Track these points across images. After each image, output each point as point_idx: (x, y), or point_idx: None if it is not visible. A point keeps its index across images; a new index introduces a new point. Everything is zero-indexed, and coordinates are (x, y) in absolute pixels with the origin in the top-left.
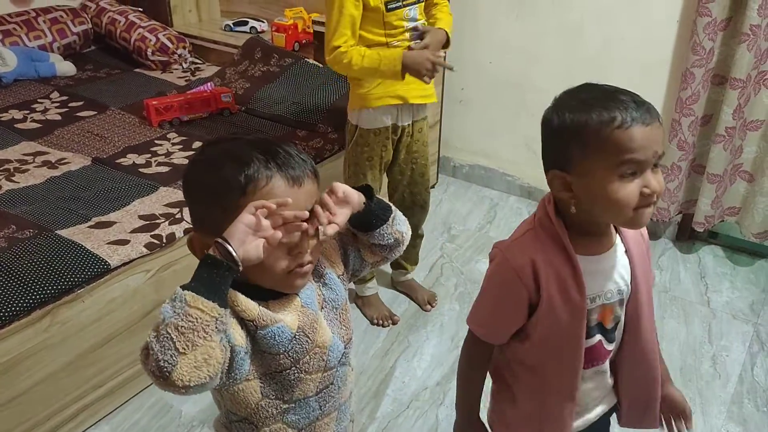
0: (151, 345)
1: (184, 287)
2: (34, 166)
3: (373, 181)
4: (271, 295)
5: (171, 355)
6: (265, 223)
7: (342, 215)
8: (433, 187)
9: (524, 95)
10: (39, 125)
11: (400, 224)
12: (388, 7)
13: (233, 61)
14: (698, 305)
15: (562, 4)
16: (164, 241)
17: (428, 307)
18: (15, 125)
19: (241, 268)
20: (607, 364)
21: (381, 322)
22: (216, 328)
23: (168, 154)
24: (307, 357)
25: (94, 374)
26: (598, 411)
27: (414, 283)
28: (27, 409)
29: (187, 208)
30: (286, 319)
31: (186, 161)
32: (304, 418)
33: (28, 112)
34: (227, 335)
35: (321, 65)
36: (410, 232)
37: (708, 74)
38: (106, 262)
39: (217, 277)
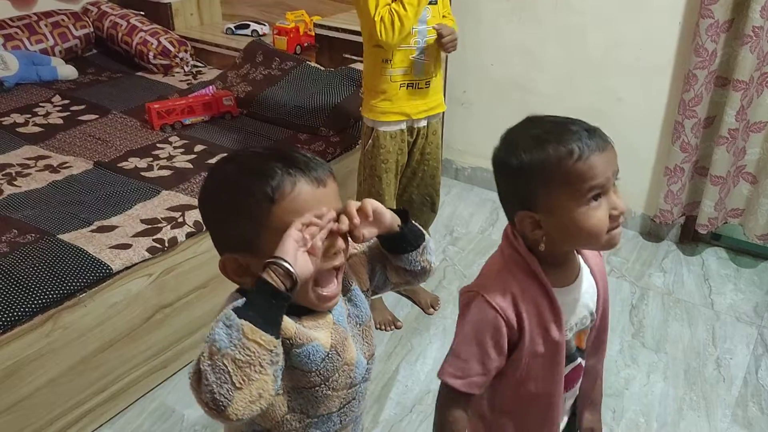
0: (206, 375)
1: (240, 314)
2: (36, 170)
3: (388, 186)
4: (304, 311)
5: (227, 390)
6: (310, 234)
7: (368, 233)
8: None
9: (527, 98)
10: (41, 129)
11: (430, 254)
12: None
13: (235, 64)
14: (702, 307)
15: (565, 7)
16: (166, 245)
17: (431, 310)
18: (17, 129)
19: (299, 287)
20: (579, 384)
21: (384, 327)
22: (271, 360)
23: (170, 157)
24: (336, 374)
25: (97, 379)
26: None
27: (417, 286)
28: (29, 413)
29: (188, 211)
30: (320, 337)
31: (188, 165)
32: (325, 431)
33: (29, 116)
34: (280, 366)
35: (323, 68)
36: (437, 263)
37: (711, 76)
38: (108, 266)
39: (275, 306)
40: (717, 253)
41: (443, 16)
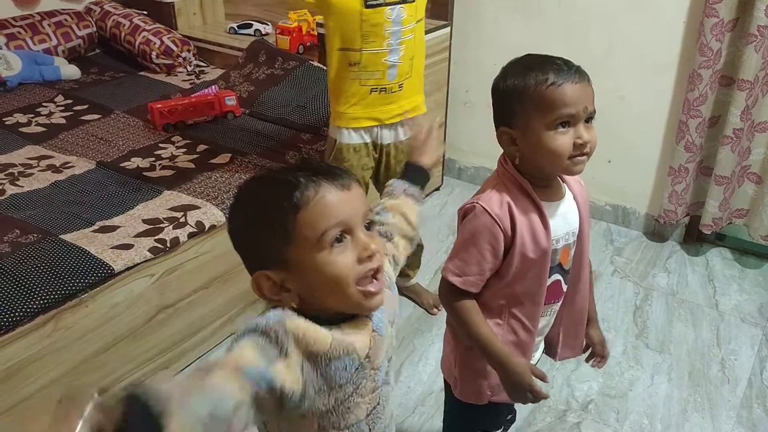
0: None
1: None
2: (39, 170)
3: None
4: (344, 317)
5: None
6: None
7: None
8: (437, 189)
9: None
10: (44, 129)
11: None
12: (368, 3)
13: (238, 64)
14: (706, 308)
15: (568, 6)
16: (168, 245)
17: (435, 310)
18: (20, 129)
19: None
20: (559, 304)
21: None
22: None
23: (172, 157)
24: (365, 381)
25: (98, 379)
26: (540, 352)
27: (419, 287)
28: None
29: (190, 211)
30: (357, 343)
31: (191, 165)
32: None
33: (32, 116)
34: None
35: (325, 68)
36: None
37: (715, 75)
38: (110, 266)
39: None
40: (721, 254)
41: (418, 21)
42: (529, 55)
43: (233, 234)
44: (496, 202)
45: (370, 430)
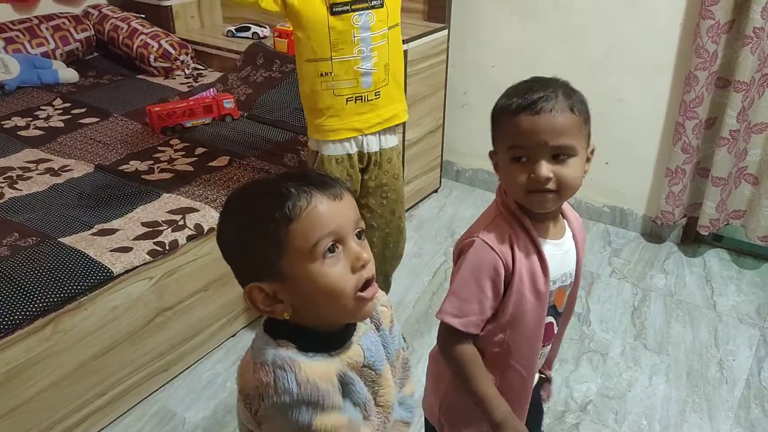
0: None
1: None
2: (37, 174)
3: None
4: (334, 345)
5: None
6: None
7: None
8: (436, 191)
9: None
10: (42, 132)
11: None
12: (334, 10)
13: (235, 66)
14: (704, 309)
15: (565, 8)
16: (167, 248)
17: None
18: (18, 132)
19: None
20: (549, 346)
21: None
22: None
23: (171, 160)
24: (373, 418)
25: (97, 383)
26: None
27: None
28: (30, 418)
29: (189, 213)
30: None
31: (189, 168)
32: None
33: (30, 119)
34: None
35: None
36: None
37: (711, 77)
38: (109, 269)
39: None
40: (719, 255)
41: (391, 27)
42: (532, 78)
43: (223, 244)
44: (497, 236)
45: None
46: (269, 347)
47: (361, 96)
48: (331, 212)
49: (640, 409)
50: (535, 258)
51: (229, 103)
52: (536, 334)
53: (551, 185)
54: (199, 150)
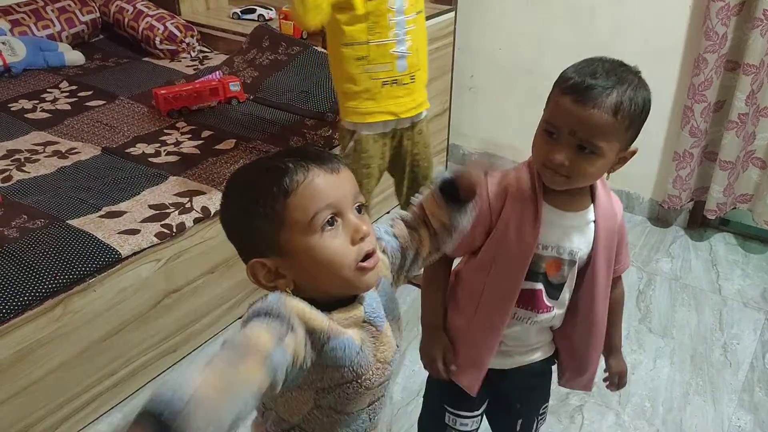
0: None
1: None
2: (45, 156)
3: (368, 193)
4: (334, 306)
5: None
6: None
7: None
8: None
9: (535, 82)
10: (49, 115)
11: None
12: None
13: (241, 49)
14: (709, 293)
15: None
16: (174, 230)
17: None
18: (25, 115)
19: None
20: (544, 317)
21: None
22: None
23: (177, 143)
24: (370, 373)
25: (106, 363)
26: (536, 356)
27: None
28: (40, 397)
29: (195, 196)
30: (350, 332)
31: (196, 151)
32: (354, 430)
33: (37, 101)
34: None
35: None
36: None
37: (721, 60)
38: (117, 251)
39: None
40: (725, 239)
41: (418, 12)
42: (609, 60)
43: (226, 224)
44: (497, 182)
45: (370, 419)
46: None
47: (397, 79)
48: (328, 185)
49: (643, 391)
50: (530, 213)
51: (235, 86)
52: (512, 287)
53: (564, 171)
54: (206, 133)
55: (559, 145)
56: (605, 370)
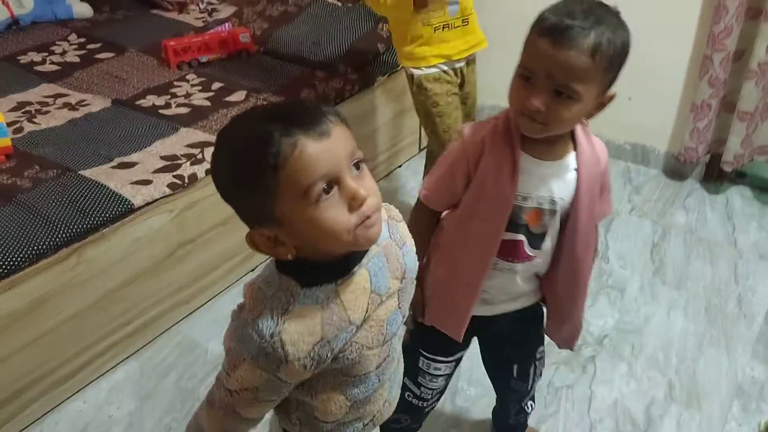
0: None
1: None
2: (55, 108)
3: (444, 132)
4: (340, 273)
5: None
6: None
7: None
8: None
9: None
10: (58, 67)
11: None
12: None
13: (250, 1)
14: (725, 246)
15: None
16: (186, 181)
17: None
18: (34, 68)
19: None
20: (526, 266)
21: None
22: None
23: (187, 95)
24: (364, 332)
25: (121, 312)
26: (519, 303)
27: None
28: (57, 345)
29: (207, 147)
30: (356, 310)
31: (206, 103)
32: (364, 391)
33: (46, 54)
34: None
35: (340, 4)
36: None
37: (742, 7)
38: (130, 201)
39: None
40: (741, 192)
41: None
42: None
43: (219, 189)
44: (474, 133)
45: (379, 379)
46: (273, 282)
47: (449, 24)
48: (319, 154)
49: (657, 342)
50: (508, 164)
51: (244, 38)
52: (492, 237)
53: (540, 118)
54: (216, 85)
55: (536, 90)
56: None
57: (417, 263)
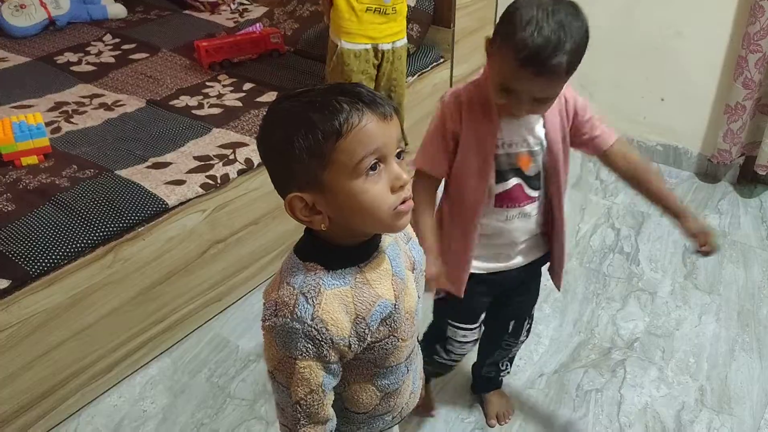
0: None
1: None
2: (92, 108)
3: None
4: (362, 257)
5: None
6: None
7: None
8: None
9: None
10: (94, 68)
11: None
12: None
13: (281, 1)
14: (758, 250)
15: None
16: (219, 181)
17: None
18: (71, 68)
19: None
20: (530, 208)
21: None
22: None
23: (219, 95)
24: (403, 325)
25: (156, 309)
26: (526, 258)
27: None
28: (95, 340)
29: (239, 148)
30: (384, 289)
31: (238, 103)
32: (394, 382)
33: (82, 54)
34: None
35: None
36: None
37: None
38: (164, 201)
39: None
40: None
41: None
42: (551, 17)
43: (265, 149)
44: (453, 96)
45: (407, 369)
46: (298, 271)
47: (380, 8)
48: (378, 131)
49: (688, 347)
50: (486, 117)
51: (275, 39)
52: (480, 186)
53: (521, 115)
54: (247, 85)
55: (518, 102)
56: (687, 236)
57: (424, 256)
